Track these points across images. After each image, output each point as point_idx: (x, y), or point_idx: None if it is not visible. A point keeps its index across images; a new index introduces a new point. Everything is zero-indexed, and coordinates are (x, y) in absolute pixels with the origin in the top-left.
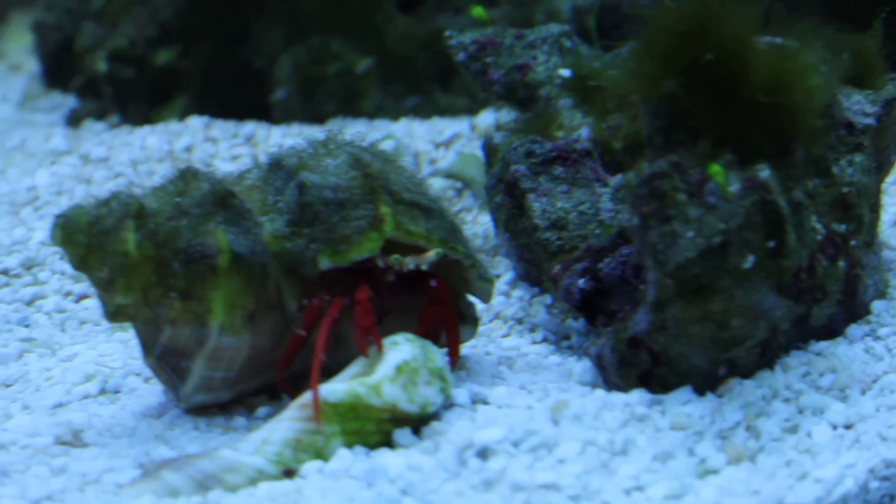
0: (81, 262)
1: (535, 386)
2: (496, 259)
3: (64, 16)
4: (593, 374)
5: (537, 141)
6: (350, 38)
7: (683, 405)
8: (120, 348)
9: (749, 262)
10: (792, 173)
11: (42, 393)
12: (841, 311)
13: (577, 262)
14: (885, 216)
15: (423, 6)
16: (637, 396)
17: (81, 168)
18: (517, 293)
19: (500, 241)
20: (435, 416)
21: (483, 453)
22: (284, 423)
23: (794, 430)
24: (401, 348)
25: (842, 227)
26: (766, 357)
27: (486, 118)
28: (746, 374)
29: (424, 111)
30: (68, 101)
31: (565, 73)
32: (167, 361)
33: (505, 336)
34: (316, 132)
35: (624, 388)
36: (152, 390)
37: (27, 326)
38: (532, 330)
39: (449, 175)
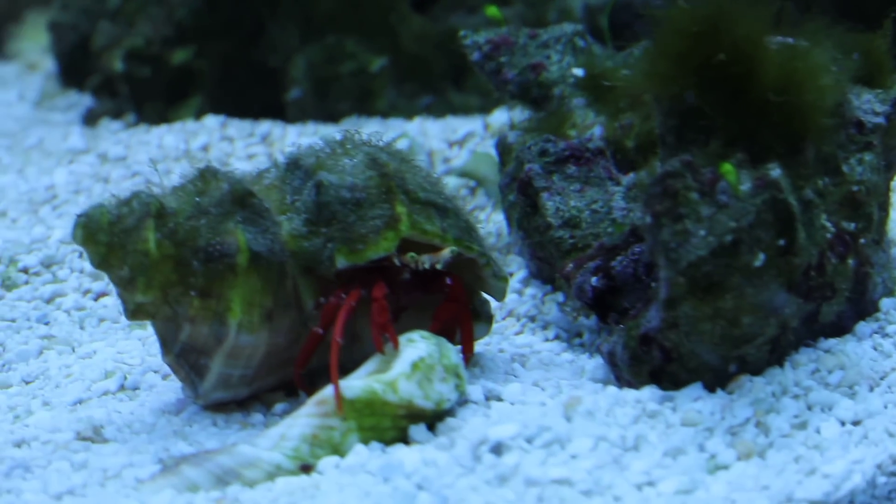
0: (102, 261)
1: (548, 383)
2: (509, 257)
3: (80, 15)
4: (605, 370)
5: (551, 140)
6: (364, 38)
7: (694, 401)
8: (138, 345)
9: (760, 260)
10: (802, 172)
11: (62, 389)
12: (850, 308)
13: (589, 260)
14: (895, 214)
15: (437, 5)
16: (648, 393)
17: (99, 167)
18: (530, 291)
19: (513, 239)
20: (450, 413)
21: (497, 449)
22: (302, 419)
23: (803, 426)
24: (416, 345)
25: (851, 226)
26: (776, 354)
27: (500, 117)
28: (756, 370)
29: (438, 110)
30: (84, 101)
31: (578, 72)
32: (186, 359)
33: (518, 333)
34: (332, 131)
35: (635, 384)
36: (170, 387)
37: (47, 324)
38: (545, 327)
39: (462, 173)
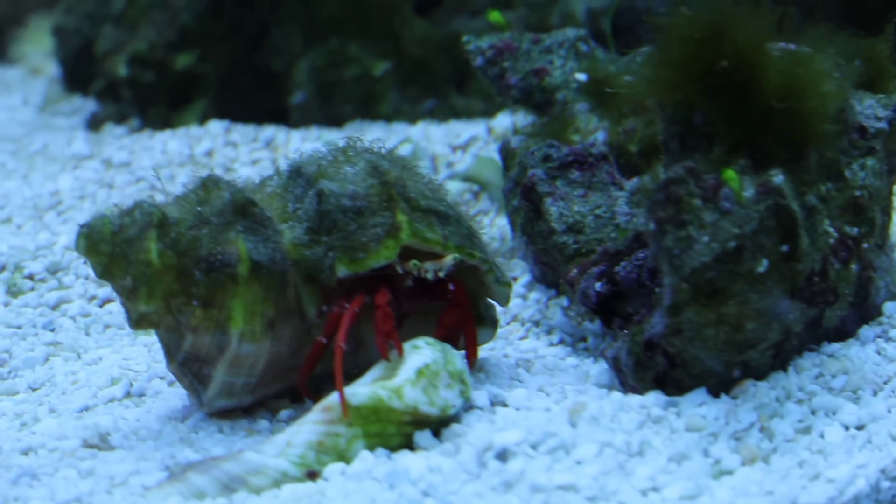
0: (105, 271)
1: (553, 388)
2: (513, 262)
3: (84, 20)
4: (609, 376)
5: (554, 145)
6: (367, 42)
7: (698, 407)
8: (144, 352)
9: (763, 266)
10: (805, 178)
11: (68, 396)
12: (853, 313)
13: (593, 266)
14: None
15: (439, 9)
16: (653, 398)
17: (103, 172)
18: (534, 296)
19: (517, 243)
20: (455, 419)
21: (502, 455)
22: (307, 426)
23: (806, 430)
24: (421, 352)
25: (854, 231)
26: (780, 359)
27: (503, 121)
28: (760, 375)
29: (441, 114)
30: (88, 105)
31: (581, 77)
32: (189, 367)
33: (522, 338)
34: (335, 136)
35: (640, 390)
36: (176, 393)
37: (53, 330)
38: (549, 332)
39: (466, 178)
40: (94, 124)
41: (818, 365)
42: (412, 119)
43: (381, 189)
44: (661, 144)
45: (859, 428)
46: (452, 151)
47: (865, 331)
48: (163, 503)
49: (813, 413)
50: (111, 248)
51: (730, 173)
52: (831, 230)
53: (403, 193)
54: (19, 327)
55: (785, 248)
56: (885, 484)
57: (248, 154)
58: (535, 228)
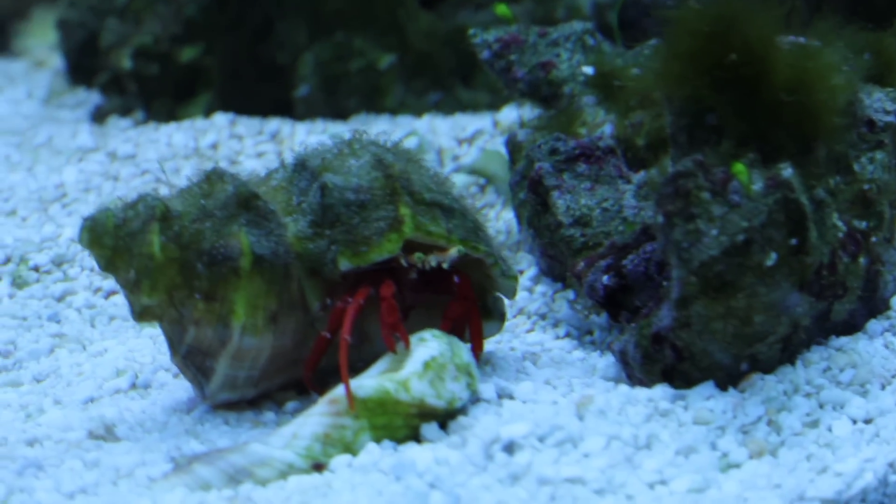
0: (108, 264)
1: (560, 381)
2: (519, 255)
3: (88, 13)
4: (616, 369)
5: (561, 138)
6: (373, 35)
7: (706, 400)
8: (149, 344)
9: (772, 259)
10: (814, 171)
11: (73, 388)
12: (861, 306)
13: (600, 259)
14: None
15: (445, 2)
16: (660, 391)
17: (109, 165)
18: (540, 289)
19: (523, 237)
20: (462, 411)
21: (509, 448)
22: (314, 418)
23: (814, 424)
24: (428, 344)
25: (862, 224)
26: (788, 352)
27: (509, 114)
28: (768, 369)
29: (446, 107)
30: (93, 98)
31: (588, 70)
32: (192, 360)
33: (529, 331)
34: (341, 129)
35: (647, 383)
36: (182, 385)
37: (58, 322)
38: (555, 325)
39: (472, 171)
40: (98, 117)
41: (826, 358)
42: (417, 112)
43: (385, 182)
44: (668, 138)
45: (867, 422)
46: (458, 144)
47: (873, 325)
48: (168, 494)
49: (821, 407)
50: (114, 241)
51: (739, 166)
52: (840, 224)
53: (408, 187)
54: (24, 319)
55: (794, 241)
56: (893, 478)
57: (254, 147)
58: (541, 221)
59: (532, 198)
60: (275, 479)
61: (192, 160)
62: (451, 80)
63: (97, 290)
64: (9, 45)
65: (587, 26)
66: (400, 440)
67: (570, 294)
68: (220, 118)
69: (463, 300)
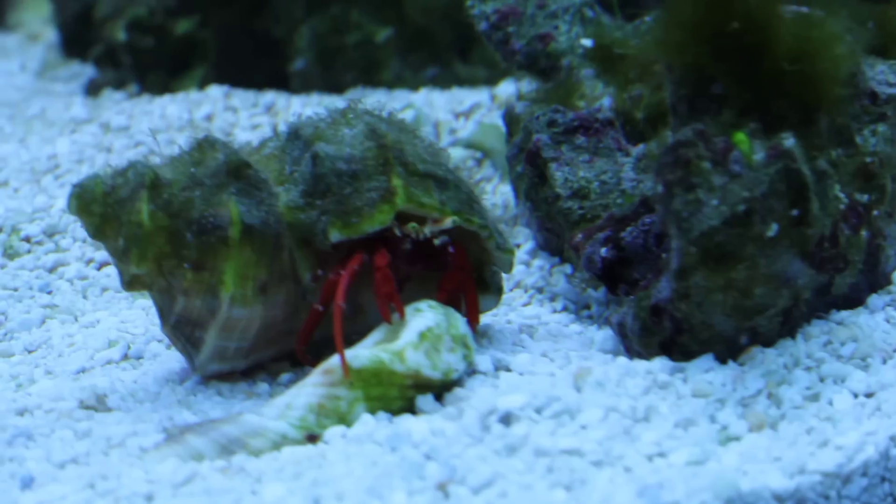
0: (97, 232)
1: (557, 353)
2: (516, 229)
3: None
4: (614, 342)
5: (560, 110)
6: (370, 8)
7: (705, 373)
8: (141, 315)
9: (773, 230)
10: (816, 142)
11: (65, 358)
12: (862, 280)
13: (599, 231)
14: None
15: None
16: (659, 364)
17: (102, 136)
18: (537, 262)
19: (521, 210)
20: (458, 383)
21: (506, 419)
22: (308, 389)
23: (815, 398)
24: (424, 315)
25: (864, 197)
26: (788, 326)
27: (506, 88)
28: (768, 342)
29: (443, 81)
30: (87, 71)
31: (587, 42)
32: (182, 330)
33: (525, 305)
34: (337, 102)
35: (646, 355)
36: (174, 356)
37: (49, 293)
38: (552, 299)
39: (469, 145)
40: (92, 90)
41: (827, 332)
42: (414, 86)
43: (378, 152)
44: (669, 108)
45: (868, 395)
46: (455, 118)
47: (875, 299)
48: (160, 465)
49: (821, 380)
50: (103, 208)
51: (740, 136)
52: (842, 196)
53: (401, 157)
54: (16, 289)
55: (795, 212)
56: (895, 451)
57: (248, 119)
58: (539, 194)
59: (530, 170)
60: (268, 450)
61: (186, 132)
62: (449, 55)
63: (89, 261)
64: (3, 18)
65: None
66: (395, 411)
67: (568, 268)
68: (215, 90)
69: (458, 271)
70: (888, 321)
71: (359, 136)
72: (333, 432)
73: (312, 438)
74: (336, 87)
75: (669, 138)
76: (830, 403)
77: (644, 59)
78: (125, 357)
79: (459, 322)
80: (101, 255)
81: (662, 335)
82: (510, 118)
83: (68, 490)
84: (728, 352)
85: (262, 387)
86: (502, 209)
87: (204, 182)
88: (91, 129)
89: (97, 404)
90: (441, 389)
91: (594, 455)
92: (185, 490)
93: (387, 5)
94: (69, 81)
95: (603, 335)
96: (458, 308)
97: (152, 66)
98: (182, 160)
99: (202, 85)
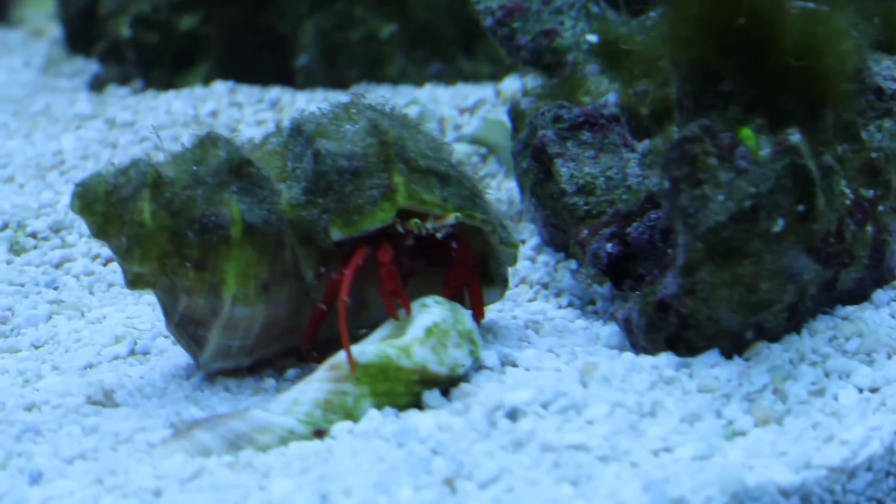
0: (100, 231)
1: (563, 349)
2: (521, 224)
3: None
4: (620, 337)
5: (565, 106)
6: (374, 4)
7: (711, 368)
8: (148, 311)
9: (779, 225)
10: (822, 138)
11: (72, 354)
12: (868, 275)
13: (604, 227)
14: None
15: None
16: (665, 359)
17: (107, 132)
18: (543, 258)
19: (526, 206)
20: (464, 378)
21: (512, 414)
22: (315, 384)
23: (820, 393)
24: (430, 311)
25: (870, 193)
26: (794, 321)
27: (511, 84)
28: (774, 337)
29: (448, 77)
30: (91, 67)
31: (592, 38)
32: (185, 329)
33: (531, 300)
34: (341, 98)
35: (651, 351)
36: (181, 352)
37: (56, 289)
38: (558, 295)
39: (473, 140)
40: (96, 86)
41: (832, 327)
42: (418, 82)
43: (380, 149)
44: (675, 103)
45: (873, 390)
46: (460, 114)
47: (880, 294)
48: (168, 460)
49: (827, 375)
50: (105, 207)
51: (746, 132)
52: (847, 191)
53: (402, 154)
54: (22, 285)
55: (801, 208)
56: None
57: (253, 115)
58: (544, 190)
59: (535, 166)
60: (275, 446)
61: (191, 128)
62: (453, 51)
63: (95, 256)
64: (7, 13)
65: None
66: (402, 407)
67: (573, 264)
68: (220, 86)
69: (462, 266)
70: (893, 316)
71: (360, 133)
72: (340, 427)
73: (319, 434)
74: (340, 84)
75: (675, 134)
76: (836, 398)
77: (649, 54)
78: (132, 353)
79: (466, 318)
80: (107, 251)
81: (668, 331)
82: (515, 114)
83: (76, 485)
84: (734, 347)
85: (269, 382)
86: (507, 205)
87: (206, 180)
88: (96, 125)
89: (104, 400)
90: (447, 385)
91: (600, 450)
92: (192, 485)
93: (391, 1)
94: (74, 77)
95: (609, 331)
96: (462, 303)
97: (157, 61)
98: (184, 158)
99: (207, 81)
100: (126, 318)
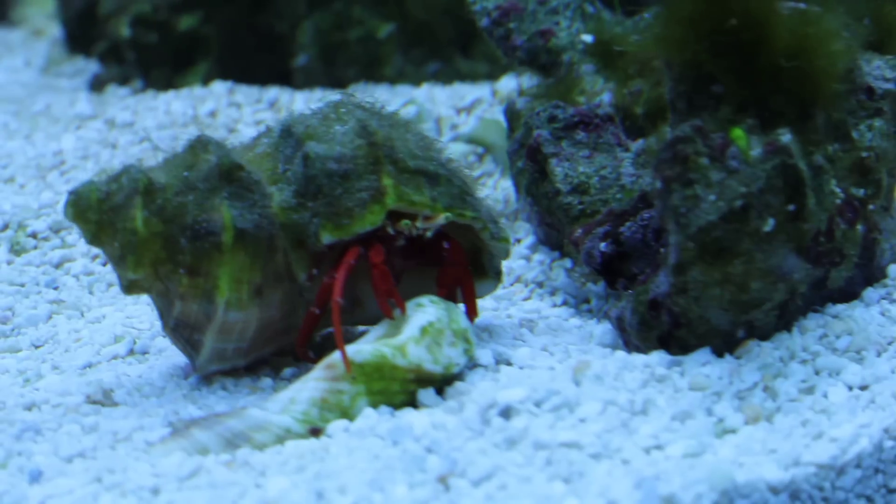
0: (94, 238)
1: (557, 348)
2: (517, 223)
3: None
4: (613, 336)
5: (560, 106)
6: (371, 4)
7: (702, 366)
8: (147, 311)
9: (770, 225)
10: (812, 138)
11: (71, 353)
12: (858, 274)
13: (598, 226)
14: None
15: None
16: (657, 358)
17: (107, 133)
18: (538, 257)
19: (521, 205)
20: (459, 377)
21: (506, 413)
22: (311, 383)
23: (810, 390)
24: (425, 310)
25: (860, 192)
26: (784, 319)
27: (507, 84)
28: (764, 336)
29: (445, 77)
30: (91, 67)
31: (588, 38)
32: (181, 333)
33: (526, 299)
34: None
35: (644, 349)
36: (179, 352)
37: (56, 289)
38: (552, 293)
39: (470, 140)
40: (96, 86)
41: (822, 326)
42: (416, 82)
43: (369, 151)
44: (668, 104)
45: (863, 388)
46: (457, 113)
47: (870, 292)
48: (166, 458)
49: (817, 373)
50: (98, 215)
51: (737, 132)
52: (838, 191)
53: (391, 155)
54: (22, 285)
55: (791, 207)
56: (889, 443)
57: (252, 115)
58: (539, 189)
59: (530, 165)
60: (272, 444)
61: (190, 128)
62: (450, 50)
63: (95, 256)
64: (7, 13)
65: None
66: (397, 405)
67: (568, 263)
68: (219, 86)
69: (454, 266)
70: (883, 314)
71: (349, 134)
72: (336, 426)
73: (315, 432)
74: (338, 83)
75: (668, 134)
76: (825, 396)
77: (644, 55)
78: (131, 352)
79: (460, 317)
80: None
81: (660, 329)
82: (511, 114)
83: (75, 484)
84: (725, 345)
85: (266, 381)
86: (503, 204)
87: (197, 186)
88: (96, 125)
89: (104, 399)
90: (442, 383)
91: (592, 448)
92: (190, 483)
93: (389, 1)
94: (73, 77)
95: (602, 329)
96: (455, 302)
97: (156, 62)
98: (175, 163)
99: (206, 81)
100: (125, 318)
